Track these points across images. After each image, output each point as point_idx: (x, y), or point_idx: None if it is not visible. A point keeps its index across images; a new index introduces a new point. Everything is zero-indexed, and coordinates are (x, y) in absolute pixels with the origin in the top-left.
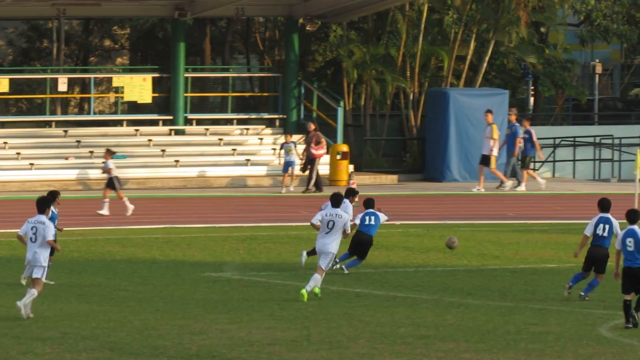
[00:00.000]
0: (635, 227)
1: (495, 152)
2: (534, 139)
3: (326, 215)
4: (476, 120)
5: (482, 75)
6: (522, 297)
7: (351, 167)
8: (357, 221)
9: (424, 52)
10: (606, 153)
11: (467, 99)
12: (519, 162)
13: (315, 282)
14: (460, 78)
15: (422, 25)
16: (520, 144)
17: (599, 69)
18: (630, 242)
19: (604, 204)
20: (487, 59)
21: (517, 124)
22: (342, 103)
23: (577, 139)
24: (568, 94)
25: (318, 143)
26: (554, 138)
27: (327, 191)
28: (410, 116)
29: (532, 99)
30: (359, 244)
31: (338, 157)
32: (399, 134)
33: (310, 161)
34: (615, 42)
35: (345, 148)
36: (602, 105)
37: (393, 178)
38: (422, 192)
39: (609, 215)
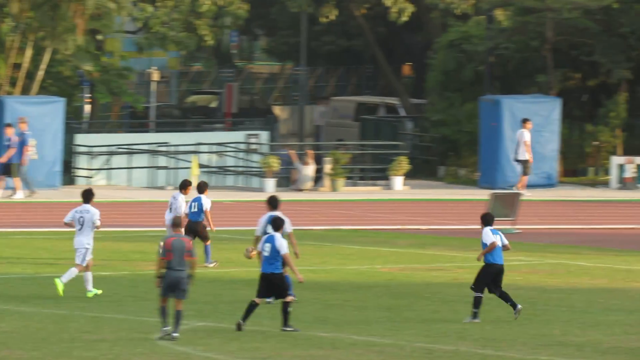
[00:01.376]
0: (276, 234)
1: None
2: (13, 145)
3: (76, 212)
4: (31, 129)
5: (39, 83)
6: (77, 305)
7: None
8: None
9: None
10: (162, 160)
11: (23, 107)
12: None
13: (70, 275)
14: (16, 86)
15: None
16: (28, 151)
17: (155, 76)
18: (267, 247)
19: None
20: (43, 66)
21: (27, 133)
22: None
23: (133, 147)
24: (124, 101)
25: None
26: (110, 145)
27: None
28: None
29: (88, 107)
30: (189, 231)
31: None
32: None
33: None
34: (172, 49)
35: None
36: (159, 112)
37: None
38: None
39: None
